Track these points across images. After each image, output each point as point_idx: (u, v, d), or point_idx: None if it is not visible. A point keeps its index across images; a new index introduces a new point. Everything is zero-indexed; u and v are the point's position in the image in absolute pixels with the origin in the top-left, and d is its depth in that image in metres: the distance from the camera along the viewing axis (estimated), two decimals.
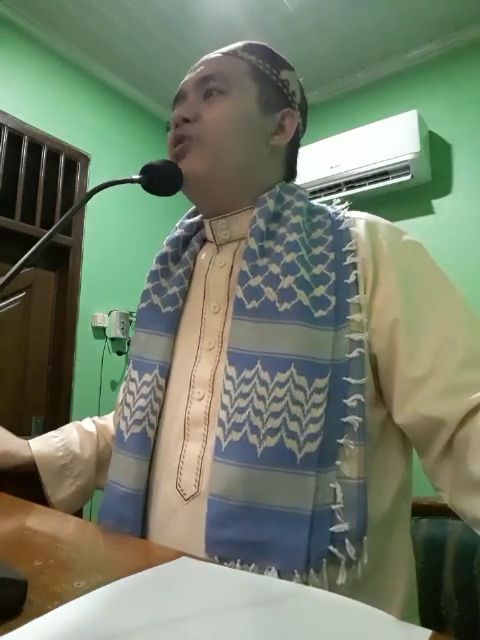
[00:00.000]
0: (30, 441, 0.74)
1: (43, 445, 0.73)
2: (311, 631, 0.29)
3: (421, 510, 0.79)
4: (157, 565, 0.39)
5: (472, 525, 0.48)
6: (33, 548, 0.45)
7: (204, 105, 0.63)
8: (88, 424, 0.80)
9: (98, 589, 0.34)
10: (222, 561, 0.48)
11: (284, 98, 0.68)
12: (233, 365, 0.54)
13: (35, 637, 0.28)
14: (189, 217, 0.74)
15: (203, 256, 0.68)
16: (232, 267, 0.64)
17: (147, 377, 0.61)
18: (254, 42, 0.69)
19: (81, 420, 0.82)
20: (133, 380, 0.63)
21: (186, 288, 0.66)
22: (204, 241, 0.71)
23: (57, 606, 0.32)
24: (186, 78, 0.68)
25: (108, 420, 0.82)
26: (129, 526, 0.56)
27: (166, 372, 0.61)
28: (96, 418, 0.83)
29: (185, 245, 0.70)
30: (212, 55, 0.68)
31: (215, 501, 0.50)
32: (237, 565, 0.48)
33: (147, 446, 0.58)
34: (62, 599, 0.33)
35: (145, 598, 0.33)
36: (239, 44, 0.68)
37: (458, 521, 0.76)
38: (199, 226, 0.72)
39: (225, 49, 0.68)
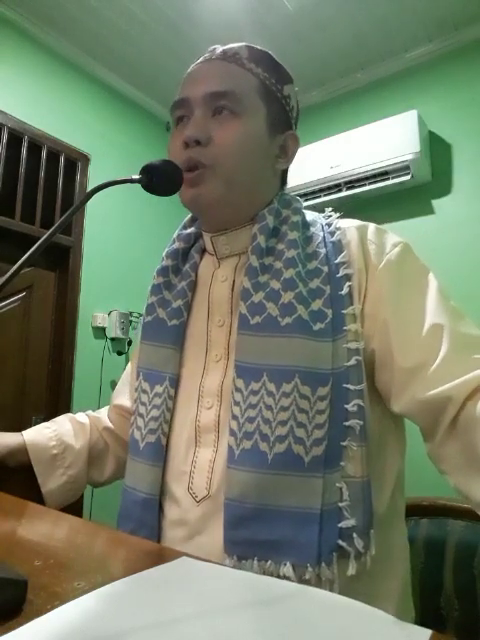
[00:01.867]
0: (24, 431, 0.75)
1: (36, 435, 0.75)
2: (311, 631, 0.29)
3: (421, 510, 0.79)
4: (157, 565, 0.39)
5: (478, 509, 0.50)
6: (33, 548, 0.45)
7: (214, 125, 0.62)
8: (81, 416, 0.82)
9: (98, 589, 0.35)
10: (240, 560, 0.51)
11: (286, 117, 0.69)
12: (241, 378, 0.57)
13: (35, 637, 0.28)
14: (185, 228, 0.74)
15: (204, 269, 0.70)
16: (234, 281, 0.66)
17: (158, 388, 0.64)
18: (257, 48, 0.67)
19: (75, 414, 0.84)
20: (145, 391, 0.66)
21: (189, 301, 0.68)
22: (203, 251, 0.71)
23: (57, 606, 0.32)
24: (190, 86, 0.65)
25: (102, 413, 0.84)
26: (148, 529, 0.59)
27: (176, 383, 0.64)
28: (89, 412, 0.85)
29: (185, 257, 0.72)
30: (215, 60, 0.66)
31: (231, 505, 0.53)
32: (254, 562, 0.51)
33: (161, 453, 0.62)
34: (62, 599, 0.33)
35: (145, 598, 0.33)
36: (242, 48, 0.66)
37: (458, 521, 0.76)
38: (196, 237, 0.73)
39: (229, 52, 0.66)
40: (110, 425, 0.81)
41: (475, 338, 0.56)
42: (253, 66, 0.65)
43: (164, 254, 0.73)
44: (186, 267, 0.70)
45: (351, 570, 0.51)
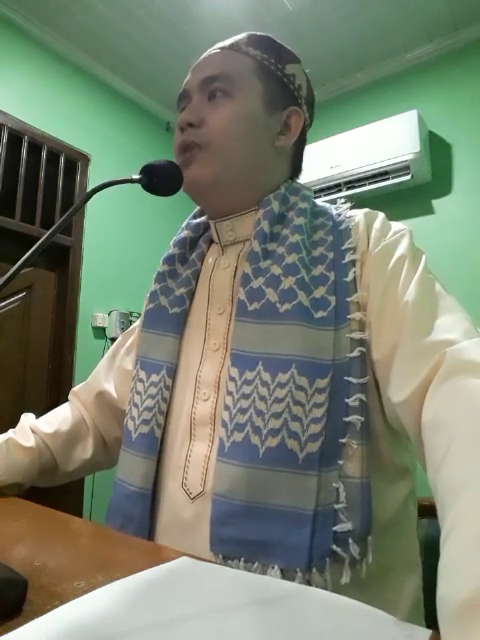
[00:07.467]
0: None
1: None
2: (311, 631, 0.29)
3: (422, 510, 0.78)
4: (157, 565, 0.39)
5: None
6: (33, 548, 0.45)
7: (209, 108, 0.63)
8: (26, 438, 0.70)
9: (98, 589, 0.34)
10: (226, 559, 0.48)
11: (290, 94, 0.67)
12: (236, 366, 0.55)
13: (35, 637, 0.28)
14: (195, 217, 0.73)
15: (209, 258, 0.68)
16: (236, 268, 0.64)
17: (154, 377, 0.62)
18: (258, 34, 0.67)
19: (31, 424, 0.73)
20: (140, 380, 0.63)
21: (193, 289, 0.66)
22: (211, 242, 0.70)
23: (57, 606, 0.32)
24: (189, 77, 0.67)
25: (55, 419, 0.76)
26: (136, 524, 0.56)
27: (173, 372, 0.62)
28: (39, 425, 0.74)
29: (192, 246, 0.70)
30: (215, 51, 0.67)
31: (219, 500, 0.50)
32: (241, 563, 0.48)
33: (154, 445, 0.58)
34: (62, 599, 0.33)
35: (145, 598, 0.33)
36: (242, 37, 0.66)
37: None
38: (205, 227, 0.71)
39: (228, 43, 0.66)
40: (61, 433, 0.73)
41: (440, 323, 0.49)
42: (250, 49, 0.65)
43: (171, 242, 0.71)
44: (193, 256, 0.68)
45: (345, 578, 0.47)
